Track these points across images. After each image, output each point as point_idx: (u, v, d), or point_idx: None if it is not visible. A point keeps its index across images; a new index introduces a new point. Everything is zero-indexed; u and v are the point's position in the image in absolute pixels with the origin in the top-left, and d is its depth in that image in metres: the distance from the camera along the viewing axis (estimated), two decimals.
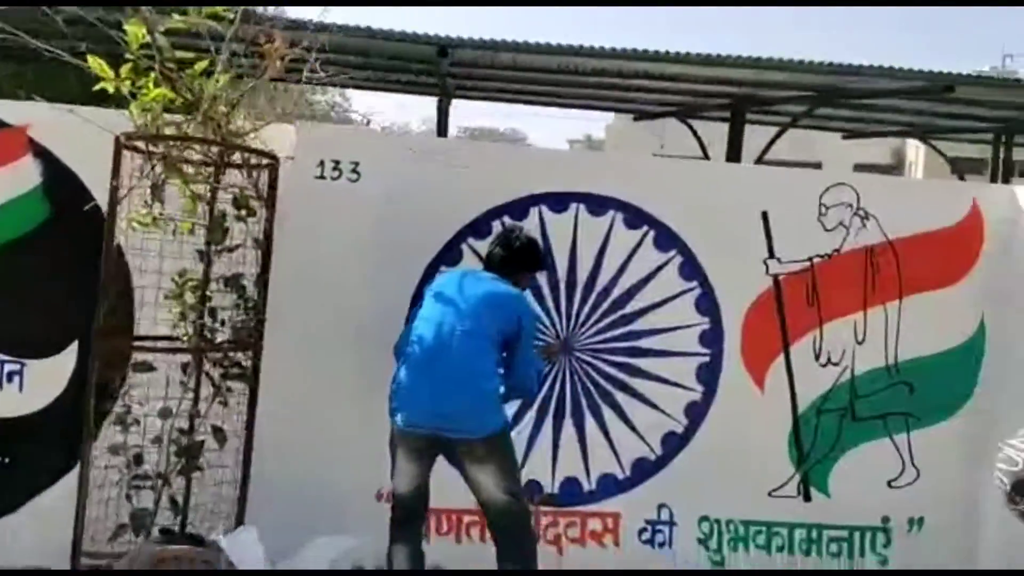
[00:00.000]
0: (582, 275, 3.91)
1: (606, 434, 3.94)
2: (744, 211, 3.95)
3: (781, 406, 4.02)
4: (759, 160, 10.30)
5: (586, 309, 3.92)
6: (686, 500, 3.98)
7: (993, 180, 10.80)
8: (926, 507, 4.07)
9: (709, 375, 3.98)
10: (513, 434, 3.48)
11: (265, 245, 3.51)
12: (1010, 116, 10.10)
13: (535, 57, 8.63)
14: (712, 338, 3.98)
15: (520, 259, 3.48)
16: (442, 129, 10.46)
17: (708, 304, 3.97)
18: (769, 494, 4.02)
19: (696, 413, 3.98)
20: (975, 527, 4.03)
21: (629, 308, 3.93)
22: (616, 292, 3.93)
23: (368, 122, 7.34)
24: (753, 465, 4.01)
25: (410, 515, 3.34)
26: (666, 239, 3.94)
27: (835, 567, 4.05)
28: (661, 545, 3.98)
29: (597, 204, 3.92)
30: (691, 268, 3.96)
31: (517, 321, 3.32)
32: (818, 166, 10.29)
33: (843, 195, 4.02)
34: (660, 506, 3.97)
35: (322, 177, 3.73)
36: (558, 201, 3.89)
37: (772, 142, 11.02)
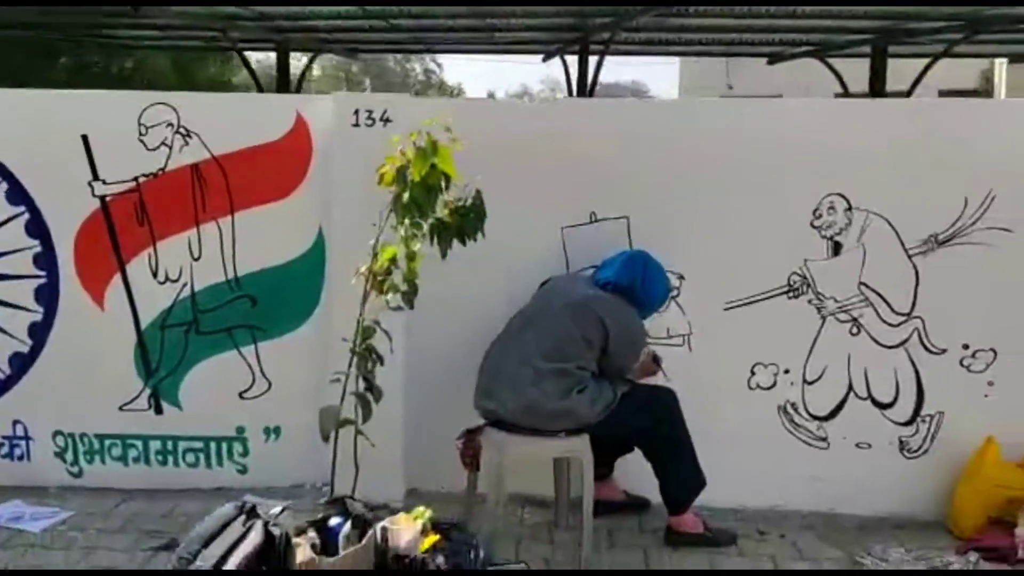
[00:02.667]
0: None
1: None
2: (64, 135, 4.02)
3: (124, 323, 4.12)
4: (908, 94, 9.33)
5: None
6: (39, 416, 4.18)
7: None
8: (280, 416, 4.16)
9: (48, 296, 4.12)
10: None
11: None
12: None
13: None
14: (46, 261, 4.10)
15: None
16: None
17: (38, 228, 4.09)
18: (120, 408, 4.18)
19: (39, 333, 4.14)
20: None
21: None
22: None
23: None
24: (102, 380, 4.15)
25: None
26: None
27: (193, 476, 4.19)
28: (20, 458, 4.21)
29: None
30: (16, 194, 4.08)
31: None
32: (908, 94, 9.28)
33: (163, 114, 4.03)
34: (15, 422, 4.19)
35: None
36: None
37: (922, 74, 9.46)
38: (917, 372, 4.00)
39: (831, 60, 10.72)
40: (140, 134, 4.01)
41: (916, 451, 4.03)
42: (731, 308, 4.02)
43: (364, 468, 3.98)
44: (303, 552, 2.73)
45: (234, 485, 4.11)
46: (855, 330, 4.00)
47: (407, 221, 3.21)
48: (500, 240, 3.97)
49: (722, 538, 3.70)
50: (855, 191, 3.94)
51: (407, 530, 2.96)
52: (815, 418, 4.06)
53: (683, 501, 3.65)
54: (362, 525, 2.89)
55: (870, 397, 4.03)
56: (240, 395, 4.15)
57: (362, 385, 3.38)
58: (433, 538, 2.89)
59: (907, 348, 4.00)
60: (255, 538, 2.76)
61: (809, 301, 4.00)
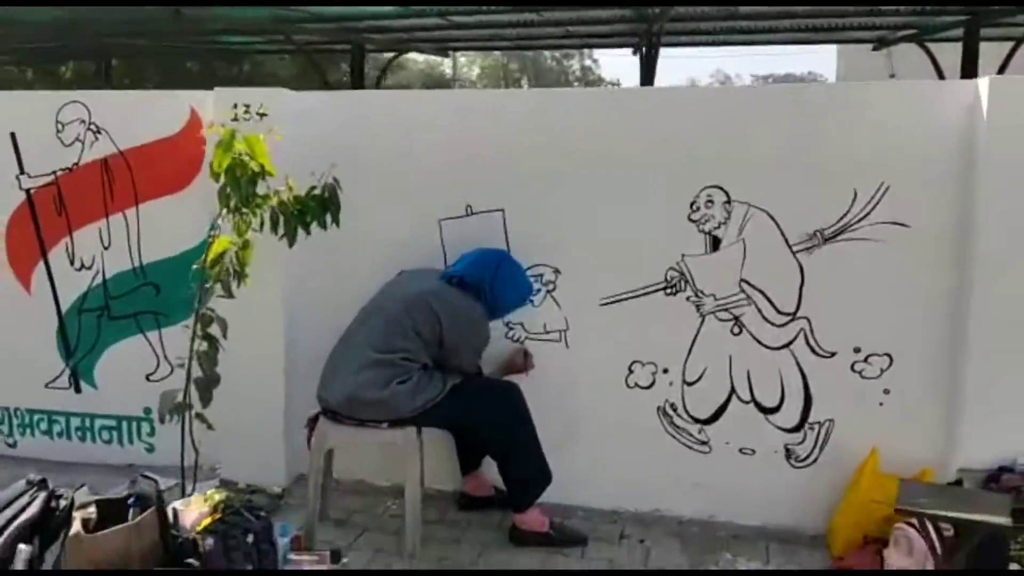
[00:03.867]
0: None
1: None
2: None
3: (47, 307, 4.44)
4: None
5: None
6: None
7: None
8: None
9: None
10: None
11: None
12: None
13: None
14: None
15: None
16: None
17: None
18: (46, 385, 4.49)
19: None
20: None
21: None
22: None
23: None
24: (31, 359, 4.48)
25: None
26: None
27: (106, 452, 4.45)
28: None
29: None
30: None
31: None
32: None
33: (77, 112, 4.29)
34: None
35: None
36: None
37: (1008, 57, 9.36)
38: (804, 376, 3.74)
39: (929, 45, 10.07)
40: (57, 131, 4.30)
41: (803, 460, 3.78)
42: (607, 304, 3.89)
43: (250, 454, 4.15)
44: (75, 526, 2.89)
45: (141, 463, 4.35)
46: (736, 329, 3.79)
47: (224, 211, 3.31)
48: (380, 232, 4.05)
49: (567, 539, 3.60)
50: (735, 183, 3.72)
51: (193, 511, 3.08)
52: (696, 421, 3.87)
53: (524, 499, 3.57)
54: (146, 504, 3.02)
55: (754, 401, 3.81)
56: (147, 377, 4.37)
57: (205, 372, 3.53)
58: (208, 520, 2.99)
59: (792, 350, 3.74)
60: (33, 510, 2.95)
61: (688, 298, 3.82)
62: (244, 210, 3.33)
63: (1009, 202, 3.39)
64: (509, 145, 3.92)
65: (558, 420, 3.93)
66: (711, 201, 3.75)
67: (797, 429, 3.78)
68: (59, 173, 4.34)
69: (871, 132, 3.60)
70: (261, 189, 3.44)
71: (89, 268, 4.38)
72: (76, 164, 4.31)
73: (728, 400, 3.83)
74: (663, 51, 9.48)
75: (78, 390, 4.47)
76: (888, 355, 3.66)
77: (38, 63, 12.80)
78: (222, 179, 3.29)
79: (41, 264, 4.42)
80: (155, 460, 4.37)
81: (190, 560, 2.86)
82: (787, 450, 3.79)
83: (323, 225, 3.59)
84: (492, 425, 3.53)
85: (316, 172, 3.65)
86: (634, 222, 3.82)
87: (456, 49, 14.48)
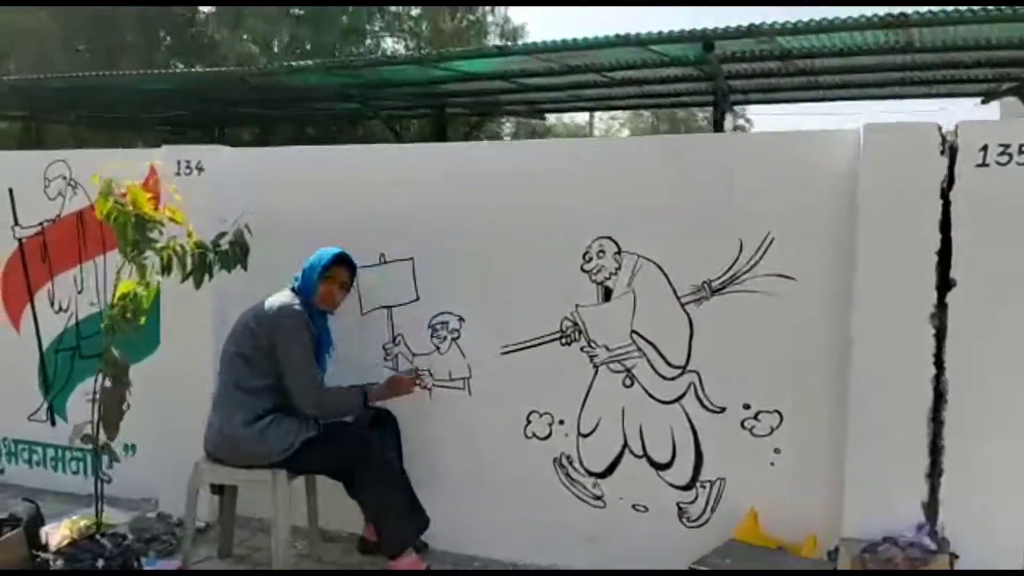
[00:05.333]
0: None
1: None
2: None
3: (32, 346, 4.88)
4: None
5: None
6: None
7: None
8: (135, 434, 4.58)
9: None
10: None
11: None
12: None
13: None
14: None
15: None
16: None
17: None
18: (28, 418, 4.91)
19: None
20: None
21: None
22: None
23: None
24: (18, 393, 4.92)
25: None
26: None
27: (74, 483, 4.79)
28: None
29: None
30: None
31: None
32: None
33: (60, 169, 4.76)
34: None
35: None
36: None
37: None
38: (695, 431, 3.64)
39: None
40: (44, 187, 4.79)
41: (696, 520, 3.64)
42: (508, 352, 3.92)
43: (175, 488, 4.32)
44: None
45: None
46: (628, 381, 3.72)
47: (123, 255, 3.61)
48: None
49: None
50: (624, 234, 3.71)
51: (59, 534, 3.32)
52: (591, 474, 3.81)
53: (393, 546, 3.60)
54: (17, 525, 3.28)
55: (646, 456, 3.72)
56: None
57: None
58: (64, 543, 3.21)
59: (683, 404, 3.65)
60: None
61: (582, 348, 3.80)
62: (132, 254, 3.60)
63: (885, 253, 3.23)
64: (419, 198, 4.06)
65: (461, 468, 3.98)
66: (603, 251, 3.75)
67: (689, 487, 3.66)
68: (45, 224, 4.82)
69: (755, 182, 3.52)
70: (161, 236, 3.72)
71: (66, 311, 4.80)
72: (58, 216, 4.78)
73: (621, 454, 3.76)
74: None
75: (53, 423, 4.87)
76: (778, 412, 3.52)
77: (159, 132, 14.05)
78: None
79: (28, 307, 4.89)
80: (112, 491, 4.67)
81: None
82: (679, 508, 3.67)
83: (228, 268, 3.83)
84: (350, 474, 3.61)
85: (229, 220, 3.93)
86: (532, 271, 3.86)
87: (544, 111, 14.76)
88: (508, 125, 23.45)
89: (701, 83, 8.87)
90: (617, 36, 6.83)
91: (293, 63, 8.72)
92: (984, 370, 3.14)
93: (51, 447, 4.88)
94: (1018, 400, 3.12)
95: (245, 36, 18.00)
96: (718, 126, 9.57)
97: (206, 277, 3.83)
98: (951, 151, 3.15)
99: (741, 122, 33.91)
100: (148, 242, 3.63)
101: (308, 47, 17.57)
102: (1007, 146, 3.08)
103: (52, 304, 4.84)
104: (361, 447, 3.60)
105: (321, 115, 13.60)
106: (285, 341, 3.56)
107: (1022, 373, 3.11)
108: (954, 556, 3.14)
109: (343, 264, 3.74)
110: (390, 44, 20.09)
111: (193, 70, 8.87)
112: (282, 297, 3.67)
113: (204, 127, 15.04)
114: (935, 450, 3.20)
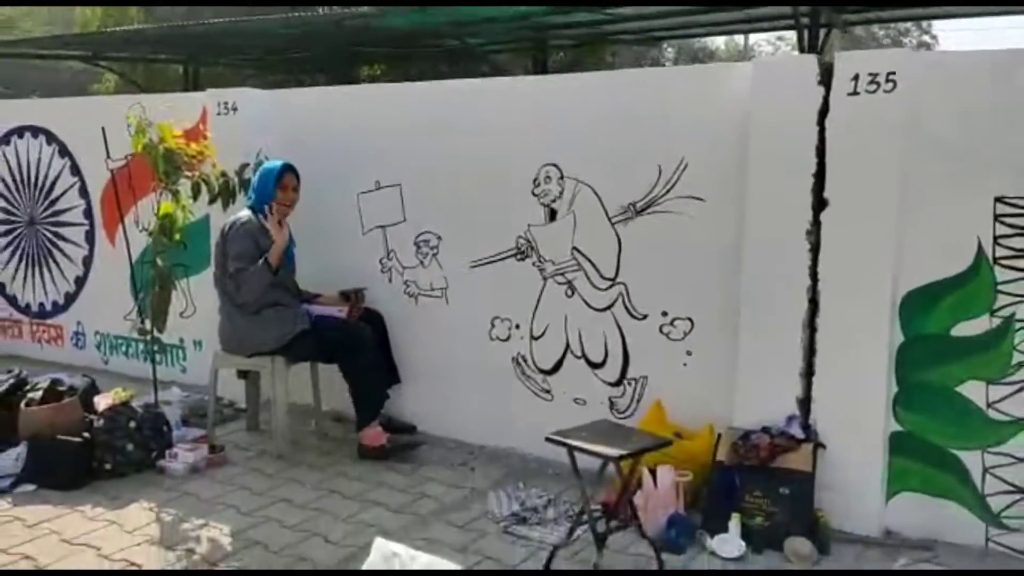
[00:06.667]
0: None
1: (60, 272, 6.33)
2: (91, 126, 5.88)
3: (124, 258, 5.90)
4: None
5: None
6: (91, 319, 6.18)
7: None
8: (201, 332, 5.56)
9: (90, 237, 6.08)
10: None
11: None
12: None
13: None
14: (87, 214, 6.05)
15: None
16: None
17: (83, 192, 6.05)
18: (124, 318, 5.97)
19: (87, 262, 6.13)
20: None
21: (54, 195, 6.23)
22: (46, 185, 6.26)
23: None
24: (116, 298, 5.99)
25: None
26: (62, 150, 6.11)
27: (161, 371, 5.81)
28: (81, 347, 6.24)
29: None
30: (73, 168, 6.06)
31: None
32: None
33: (137, 111, 5.65)
34: (77, 322, 6.23)
35: None
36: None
37: None
38: (623, 336, 4.13)
39: None
40: (127, 126, 5.72)
41: (624, 412, 4.16)
42: (476, 267, 4.52)
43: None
44: (23, 402, 4.20)
45: (179, 380, 5.69)
46: (570, 292, 4.25)
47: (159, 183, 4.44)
48: (313, 202, 4.98)
49: (399, 447, 4.39)
50: (566, 161, 4.19)
51: (105, 402, 4.27)
52: (541, 371, 4.39)
53: (364, 421, 4.36)
54: (74, 393, 4.26)
55: (584, 356, 4.25)
56: (180, 315, 5.69)
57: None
58: (107, 409, 4.15)
59: (613, 312, 4.14)
60: (2, 387, 4.30)
61: (533, 263, 4.34)
62: (165, 182, 4.43)
63: (770, 176, 3.57)
64: (405, 131, 4.68)
65: (440, 364, 4.66)
66: (548, 177, 4.25)
67: (618, 384, 4.18)
68: (128, 157, 5.78)
69: (668, 114, 3.90)
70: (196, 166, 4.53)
71: (147, 230, 5.77)
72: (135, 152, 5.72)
73: (564, 354, 4.31)
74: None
75: (142, 322, 5.90)
76: (690, 319, 3.95)
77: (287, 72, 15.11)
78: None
79: (120, 226, 5.91)
80: (186, 379, 5.70)
81: (86, 433, 4.05)
82: (611, 402, 4.20)
83: (247, 192, 4.63)
84: (342, 359, 4.37)
85: (255, 154, 4.71)
86: (494, 195, 4.42)
87: (657, 39, 14.72)
88: (670, 50, 23.13)
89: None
90: None
91: (376, 7, 9.36)
92: (850, 282, 3.46)
93: (142, 342, 5.95)
94: (880, 311, 3.43)
95: None
96: (814, 46, 9.45)
97: (231, 201, 4.67)
98: (828, 81, 3.43)
99: (927, 38, 31.66)
100: (177, 172, 4.46)
101: None
102: (875, 75, 3.33)
103: (137, 224, 5.83)
104: (347, 337, 4.35)
105: (426, 53, 14.27)
106: (230, 247, 4.36)
107: (883, 286, 3.42)
108: (820, 446, 3.53)
109: (290, 171, 4.47)
110: None
111: (300, 14, 9.67)
112: (237, 214, 4.44)
113: (333, 67, 16.06)
114: (810, 353, 3.58)
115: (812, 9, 8.69)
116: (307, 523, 3.65)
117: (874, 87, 3.35)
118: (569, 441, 3.19)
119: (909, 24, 28.66)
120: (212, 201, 4.63)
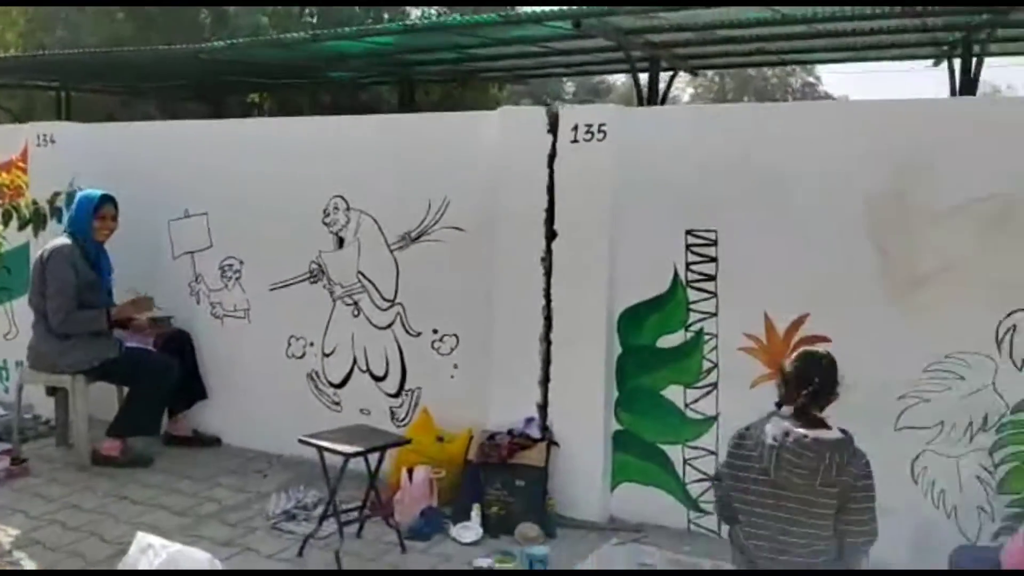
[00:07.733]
0: None
1: None
2: None
3: None
4: None
5: None
6: None
7: None
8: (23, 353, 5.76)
9: None
10: None
11: None
12: None
13: None
14: None
15: None
16: None
17: None
18: None
19: None
20: None
21: None
22: None
23: None
24: None
25: None
26: None
27: None
28: None
29: None
30: None
31: None
32: None
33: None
34: None
35: None
36: None
37: None
38: (401, 351, 4.60)
39: None
40: None
41: (402, 420, 4.62)
42: (275, 289, 4.92)
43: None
44: None
45: (1, 399, 5.85)
46: (356, 312, 4.70)
47: None
48: (127, 228, 5.27)
49: (137, 462, 4.74)
50: (352, 193, 4.66)
51: None
52: (332, 385, 4.81)
53: (116, 429, 4.73)
54: None
55: (369, 371, 4.69)
56: (4, 336, 5.88)
57: None
58: None
59: (393, 330, 4.61)
60: None
61: (324, 286, 4.78)
62: None
63: (513, 209, 4.12)
64: (210, 168, 5.06)
65: (244, 380, 5.02)
66: (336, 208, 4.70)
67: (397, 395, 4.63)
68: None
69: (435, 154, 4.42)
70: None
71: None
72: None
73: (352, 369, 4.75)
74: None
75: None
76: (456, 336, 4.45)
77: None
78: None
79: None
80: (9, 398, 5.86)
81: None
82: (391, 412, 4.65)
83: (59, 220, 4.90)
84: (126, 381, 4.75)
85: (69, 183, 5.00)
86: (290, 223, 4.84)
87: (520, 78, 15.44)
88: (570, 85, 23.71)
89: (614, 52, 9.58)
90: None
91: (237, 40, 9.68)
92: (575, 302, 4.02)
93: None
94: (599, 326, 4.00)
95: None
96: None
97: (42, 227, 4.95)
98: (555, 130, 4.01)
99: (811, 79, 33.20)
100: None
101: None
102: (590, 125, 3.93)
103: None
104: (150, 368, 4.69)
105: (300, 84, 14.62)
106: (49, 274, 4.64)
107: (600, 305, 3.99)
108: (554, 444, 4.06)
109: (108, 201, 4.78)
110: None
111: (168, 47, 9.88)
112: (55, 241, 4.73)
113: (210, 96, 16.24)
114: (547, 363, 4.12)
115: (652, 53, 9.56)
116: (90, 525, 3.95)
117: (589, 136, 3.94)
118: (316, 441, 3.62)
119: (796, 66, 29.96)
120: (22, 228, 4.88)
